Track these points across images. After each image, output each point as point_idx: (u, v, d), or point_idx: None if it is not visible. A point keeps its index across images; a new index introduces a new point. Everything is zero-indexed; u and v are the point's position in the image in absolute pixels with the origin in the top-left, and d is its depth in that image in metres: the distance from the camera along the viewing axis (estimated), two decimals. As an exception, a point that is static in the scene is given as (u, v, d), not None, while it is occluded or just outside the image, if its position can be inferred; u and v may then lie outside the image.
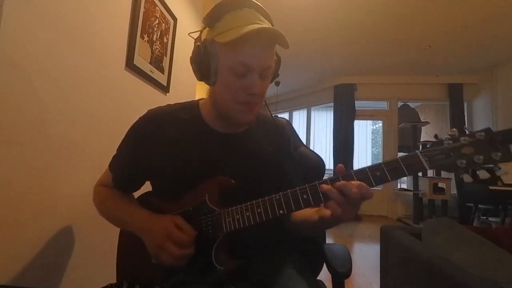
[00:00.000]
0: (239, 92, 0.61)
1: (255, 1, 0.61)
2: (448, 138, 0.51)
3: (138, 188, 0.76)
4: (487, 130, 0.48)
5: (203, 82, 0.66)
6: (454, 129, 0.51)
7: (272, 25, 0.63)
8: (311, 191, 0.55)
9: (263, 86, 0.63)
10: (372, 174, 0.52)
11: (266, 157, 0.72)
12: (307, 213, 0.65)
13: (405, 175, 0.51)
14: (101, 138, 1.07)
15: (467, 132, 0.50)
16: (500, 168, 0.48)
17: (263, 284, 0.65)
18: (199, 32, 0.65)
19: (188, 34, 0.70)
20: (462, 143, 0.49)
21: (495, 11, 2.80)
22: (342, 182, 0.52)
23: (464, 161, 0.49)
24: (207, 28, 0.63)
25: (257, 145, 0.72)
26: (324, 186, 0.53)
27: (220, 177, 0.64)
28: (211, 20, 0.61)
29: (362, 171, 0.53)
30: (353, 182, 0.51)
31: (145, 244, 0.61)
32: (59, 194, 0.89)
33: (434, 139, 0.57)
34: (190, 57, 0.65)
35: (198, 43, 0.63)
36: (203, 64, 0.62)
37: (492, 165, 0.48)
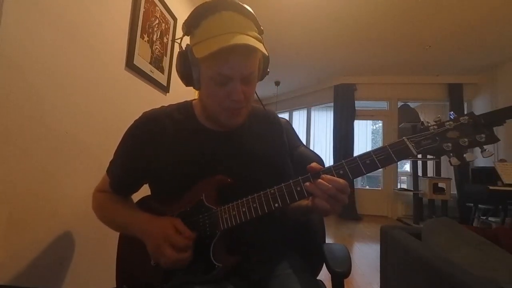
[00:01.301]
0: (223, 100, 0.61)
1: (234, 1, 0.58)
2: (434, 124, 0.53)
3: (136, 190, 0.76)
4: (471, 114, 0.51)
5: None
6: (439, 115, 0.54)
7: (257, 24, 0.62)
8: (304, 183, 0.56)
9: (247, 91, 0.62)
10: (363, 163, 0.54)
11: (261, 152, 0.72)
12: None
13: (394, 161, 0.53)
14: (101, 138, 1.07)
15: (451, 117, 0.52)
16: (485, 150, 0.49)
17: (262, 283, 0.65)
18: (180, 39, 0.64)
19: (173, 40, 0.70)
20: (447, 127, 0.51)
21: (495, 11, 2.79)
22: (313, 182, 0.55)
23: (450, 145, 0.51)
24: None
25: (252, 140, 0.72)
26: (307, 184, 0.55)
27: (217, 176, 0.64)
28: (189, 27, 0.60)
29: (353, 160, 0.55)
30: (328, 176, 0.54)
31: (147, 248, 0.61)
32: (60, 195, 0.89)
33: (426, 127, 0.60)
34: (175, 65, 0.65)
35: (180, 51, 0.63)
36: (186, 72, 0.62)
37: (478, 147, 0.50)
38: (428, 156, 3.75)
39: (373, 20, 3.06)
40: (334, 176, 0.54)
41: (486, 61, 3.99)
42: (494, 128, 0.50)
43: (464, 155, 0.50)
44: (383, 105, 5.05)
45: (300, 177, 0.57)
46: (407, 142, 0.52)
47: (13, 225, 0.74)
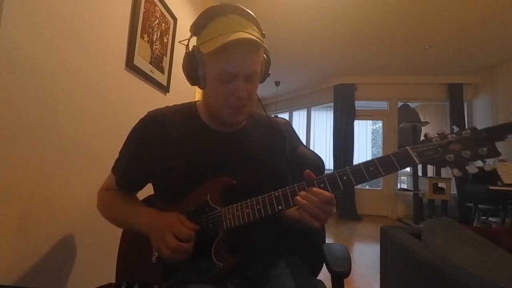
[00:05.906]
0: (227, 97, 0.63)
1: (239, 6, 0.62)
2: (437, 136, 0.55)
3: (141, 188, 0.76)
4: (473, 128, 0.53)
5: None
6: (442, 128, 0.56)
7: (259, 27, 0.65)
8: (308, 187, 0.57)
9: (250, 89, 0.64)
10: (366, 170, 0.55)
11: (263, 156, 0.73)
12: (292, 211, 0.66)
13: (397, 169, 0.54)
14: (101, 138, 1.07)
15: (455, 131, 0.54)
16: (487, 162, 0.51)
17: (262, 283, 0.65)
18: (187, 40, 0.67)
19: (179, 42, 0.72)
20: (449, 140, 0.53)
21: (495, 11, 2.80)
22: (302, 193, 0.56)
23: (452, 156, 0.52)
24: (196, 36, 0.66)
25: (255, 144, 0.74)
26: (298, 197, 0.57)
27: (222, 177, 0.65)
28: (196, 28, 0.64)
29: (356, 167, 0.56)
30: (314, 189, 0.56)
31: (152, 242, 0.61)
32: (61, 196, 0.88)
33: (428, 138, 0.64)
34: (182, 64, 0.68)
35: (187, 51, 0.66)
36: (192, 71, 0.65)
37: (480, 160, 0.51)
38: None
39: (373, 20, 3.06)
40: (338, 181, 0.56)
41: (486, 61, 3.99)
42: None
43: (466, 167, 0.52)
44: (383, 105, 5.06)
45: (304, 181, 0.58)
46: (411, 152, 0.54)
47: (21, 227, 0.74)
